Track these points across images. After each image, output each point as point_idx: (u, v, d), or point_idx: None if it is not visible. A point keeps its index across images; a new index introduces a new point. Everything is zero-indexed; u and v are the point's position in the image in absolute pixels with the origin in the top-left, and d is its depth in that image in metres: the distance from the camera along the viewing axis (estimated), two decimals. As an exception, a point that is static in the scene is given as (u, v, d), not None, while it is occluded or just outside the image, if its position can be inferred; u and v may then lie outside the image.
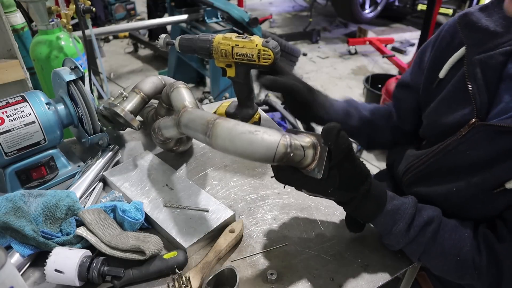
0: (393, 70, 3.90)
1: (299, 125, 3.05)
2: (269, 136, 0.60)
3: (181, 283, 0.65)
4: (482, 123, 0.67)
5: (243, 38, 0.90)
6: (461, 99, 0.73)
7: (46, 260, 0.66)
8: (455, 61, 0.76)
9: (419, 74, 0.88)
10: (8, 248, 0.72)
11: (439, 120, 0.78)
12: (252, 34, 0.97)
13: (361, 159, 0.66)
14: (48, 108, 0.91)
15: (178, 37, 0.96)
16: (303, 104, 0.88)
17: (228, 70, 0.97)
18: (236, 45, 0.90)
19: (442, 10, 4.62)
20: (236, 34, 0.92)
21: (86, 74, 1.81)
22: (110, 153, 0.98)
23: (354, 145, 2.80)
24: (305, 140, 0.63)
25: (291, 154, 0.60)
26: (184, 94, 0.85)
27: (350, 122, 0.93)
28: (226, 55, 0.92)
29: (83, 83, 0.95)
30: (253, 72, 0.96)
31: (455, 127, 0.72)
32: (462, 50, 0.74)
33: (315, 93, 0.90)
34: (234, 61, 0.93)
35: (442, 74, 0.78)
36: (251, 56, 0.90)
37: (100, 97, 2.60)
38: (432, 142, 0.79)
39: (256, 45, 0.89)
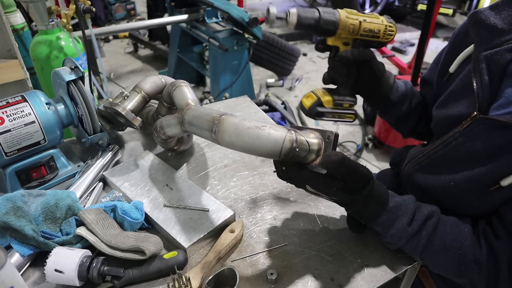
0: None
1: (299, 124, 3.05)
2: (275, 131, 0.61)
3: (181, 283, 0.65)
4: (483, 116, 0.69)
5: (364, 13, 0.83)
6: (466, 93, 0.75)
7: (46, 260, 0.66)
8: (465, 57, 0.78)
9: (434, 71, 0.91)
10: (8, 248, 0.72)
11: (445, 113, 0.80)
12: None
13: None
14: (48, 108, 0.91)
15: (294, 10, 0.78)
16: (375, 78, 0.87)
17: (342, 49, 0.84)
18: (364, 19, 0.81)
19: (442, 10, 4.62)
20: (355, 11, 0.83)
21: (86, 74, 1.81)
22: (110, 153, 0.98)
23: (354, 145, 2.81)
24: (310, 135, 0.64)
25: (297, 149, 0.61)
26: (187, 93, 0.85)
27: (406, 105, 0.93)
28: (353, 31, 0.81)
29: (83, 83, 0.95)
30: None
31: (458, 120, 0.74)
32: (471, 47, 0.75)
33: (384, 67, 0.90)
34: (358, 37, 0.83)
35: (452, 69, 0.81)
36: (377, 32, 0.82)
37: (100, 97, 2.60)
38: (437, 136, 0.81)
39: (382, 20, 0.83)
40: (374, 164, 2.64)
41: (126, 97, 0.94)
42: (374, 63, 0.85)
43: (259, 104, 2.75)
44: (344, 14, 0.81)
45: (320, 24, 0.79)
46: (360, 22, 0.81)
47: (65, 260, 0.67)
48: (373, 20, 0.82)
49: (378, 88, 0.88)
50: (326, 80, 0.87)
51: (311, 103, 0.86)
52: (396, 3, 5.37)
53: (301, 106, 0.90)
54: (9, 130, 0.84)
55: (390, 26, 0.83)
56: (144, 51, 4.41)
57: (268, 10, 0.83)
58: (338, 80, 0.86)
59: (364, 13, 0.83)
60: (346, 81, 0.86)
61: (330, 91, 0.87)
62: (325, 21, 0.79)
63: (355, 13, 0.82)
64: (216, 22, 2.89)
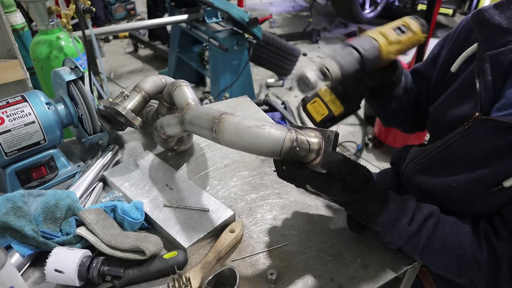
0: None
1: (299, 124, 3.04)
2: (275, 131, 0.61)
3: (181, 283, 0.65)
4: (485, 117, 0.68)
5: (402, 32, 0.74)
6: (468, 94, 0.74)
7: (46, 260, 0.66)
8: (468, 56, 0.76)
9: (431, 66, 0.90)
10: (8, 248, 0.72)
11: (445, 113, 0.79)
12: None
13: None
14: (48, 108, 0.90)
15: (331, 62, 0.65)
16: (390, 81, 0.84)
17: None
18: (406, 46, 0.75)
19: (442, 10, 4.62)
20: (391, 28, 0.74)
21: (86, 74, 1.81)
22: (110, 153, 0.98)
23: (354, 145, 2.81)
24: (310, 135, 0.64)
25: (297, 149, 0.61)
26: (187, 92, 0.86)
27: (405, 100, 0.92)
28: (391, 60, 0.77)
29: (83, 83, 0.95)
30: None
31: (460, 121, 0.73)
32: (474, 46, 0.74)
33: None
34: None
35: (454, 68, 0.79)
36: (413, 47, 0.77)
37: (100, 97, 2.60)
38: (437, 136, 0.80)
39: (419, 35, 0.76)
40: (374, 164, 2.63)
41: (126, 97, 0.94)
42: (395, 75, 0.82)
43: (259, 104, 2.75)
44: (386, 47, 0.70)
45: (364, 71, 0.71)
46: (399, 50, 0.74)
47: (65, 260, 0.67)
48: (410, 38, 0.75)
49: (386, 86, 0.86)
50: (339, 91, 0.83)
51: (322, 116, 0.82)
52: (396, 3, 5.37)
53: (308, 115, 0.85)
54: (9, 130, 0.84)
55: (424, 37, 0.77)
56: (144, 51, 4.41)
57: (304, 78, 0.64)
58: (354, 93, 0.82)
59: (400, 30, 0.74)
60: (362, 92, 0.82)
61: (338, 95, 0.83)
62: (370, 66, 0.71)
63: (395, 39, 0.71)
64: (216, 22, 2.89)
